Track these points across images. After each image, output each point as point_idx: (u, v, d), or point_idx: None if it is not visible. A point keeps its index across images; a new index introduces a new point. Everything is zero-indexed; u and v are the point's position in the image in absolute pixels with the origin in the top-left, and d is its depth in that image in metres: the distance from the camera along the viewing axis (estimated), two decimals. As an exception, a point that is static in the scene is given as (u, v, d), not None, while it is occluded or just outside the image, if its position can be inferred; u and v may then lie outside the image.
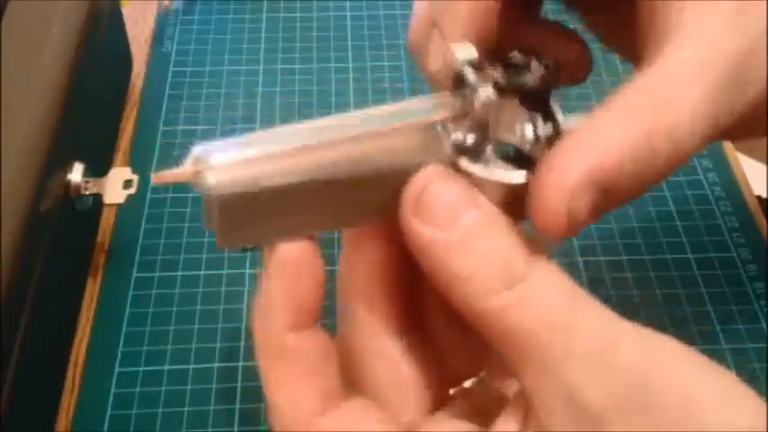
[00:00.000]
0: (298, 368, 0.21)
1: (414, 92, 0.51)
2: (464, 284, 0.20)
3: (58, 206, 0.37)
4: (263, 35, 0.55)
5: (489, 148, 0.22)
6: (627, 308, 0.41)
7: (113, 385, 0.38)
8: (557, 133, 0.22)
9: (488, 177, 0.21)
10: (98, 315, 0.40)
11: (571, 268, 0.41)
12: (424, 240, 0.20)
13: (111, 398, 0.37)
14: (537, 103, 0.22)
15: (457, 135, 0.22)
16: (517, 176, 0.21)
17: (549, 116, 0.22)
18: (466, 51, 0.22)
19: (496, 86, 0.21)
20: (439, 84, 0.24)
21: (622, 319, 0.20)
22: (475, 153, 0.22)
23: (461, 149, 0.22)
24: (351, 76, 0.52)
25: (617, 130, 0.21)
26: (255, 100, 0.51)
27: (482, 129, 0.22)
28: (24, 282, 0.33)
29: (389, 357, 0.23)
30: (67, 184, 0.38)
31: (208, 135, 0.48)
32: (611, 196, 0.21)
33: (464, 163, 0.21)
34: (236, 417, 0.37)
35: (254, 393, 0.37)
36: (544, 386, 0.19)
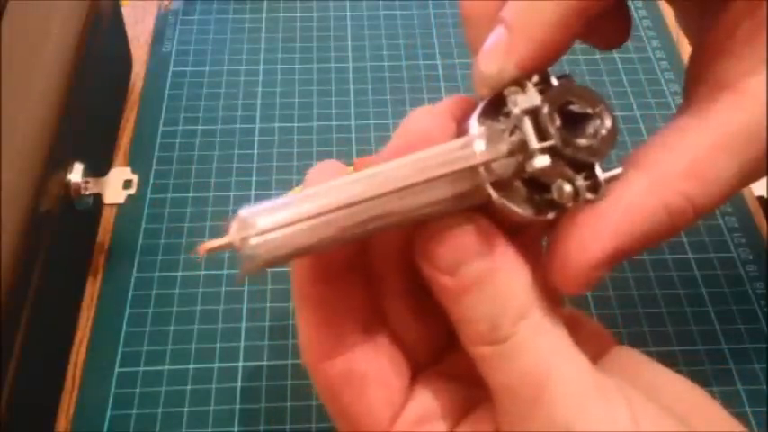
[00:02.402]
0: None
1: (413, 91, 0.51)
2: (457, 324, 0.22)
3: (58, 206, 0.37)
4: (263, 35, 0.55)
5: (518, 184, 0.21)
6: (627, 308, 0.41)
7: (113, 385, 0.38)
8: (595, 185, 0.21)
9: (515, 211, 0.21)
10: (98, 315, 0.40)
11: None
12: (435, 283, 0.22)
13: (111, 398, 0.37)
14: (585, 160, 0.21)
15: (497, 170, 0.21)
16: (538, 215, 0.21)
17: (591, 174, 0.21)
18: (529, 99, 0.21)
19: (553, 151, 0.20)
20: (482, 86, 0.22)
21: (603, 383, 0.21)
22: (505, 187, 0.21)
23: (498, 186, 0.21)
24: (351, 76, 0.52)
25: (643, 204, 0.21)
26: (255, 100, 0.51)
27: (520, 170, 0.21)
28: (24, 282, 0.33)
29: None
30: (67, 184, 0.38)
31: (208, 135, 0.48)
32: (626, 257, 0.22)
33: (512, 206, 0.21)
34: (236, 417, 0.37)
35: (255, 393, 0.37)
36: None
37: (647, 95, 0.51)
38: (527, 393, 0.20)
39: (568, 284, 0.21)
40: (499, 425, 0.21)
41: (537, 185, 0.21)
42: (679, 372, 0.38)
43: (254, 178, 0.46)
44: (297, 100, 0.51)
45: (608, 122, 0.21)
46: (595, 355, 0.24)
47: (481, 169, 0.20)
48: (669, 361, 0.38)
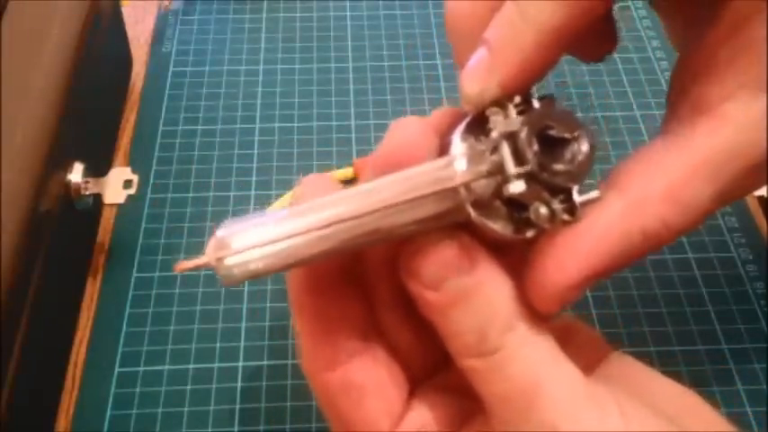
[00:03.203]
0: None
1: (413, 91, 0.51)
2: (445, 338, 0.22)
3: (58, 206, 0.37)
4: (263, 35, 0.55)
5: (498, 203, 0.21)
6: (627, 308, 0.41)
7: (113, 385, 0.38)
8: (572, 207, 0.21)
9: (494, 230, 0.21)
10: (98, 315, 0.40)
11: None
12: (419, 298, 0.22)
13: (111, 398, 0.37)
14: (562, 184, 0.21)
15: (477, 190, 0.21)
16: (517, 234, 0.21)
17: (568, 198, 0.21)
18: (508, 124, 0.21)
19: (530, 176, 0.21)
20: (465, 103, 0.23)
21: (594, 390, 0.21)
22: (485, 206, 0.21)
23: (477, 205, 0.21)
24: (351, 76, 0.52)
25: (620, 226, 0.21)
26: (255, 100, 0.51)
27: (499, 191, 0.21)
28: (24, 282, 0.33)
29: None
30: (67, 184, 0.38)
31: (208, 135, 0.48)
32: (602, 278, 0.22)
33: (490, 224, 0.21)
34: (236, 417, 0.37)
35: (255, 393, 0.37)
36: None
37: (647, 95, 0.51)
38: (519, 402, 0.21)
39: (544, 303, 0.22)
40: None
41: (517, 204, 0.21)
42: (679, 372, 0.38)
43: (254, 178, 0.46)
44: (297, 100, 0.51)
45: (585, 148, 0.21)
46: (592, 361, 0.24)
47: (461, 189, 0.21)
48: (669, 361, 0.38)
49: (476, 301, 0.21)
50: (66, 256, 0.39)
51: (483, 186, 0.21)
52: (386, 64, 0.53)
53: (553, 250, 0.21)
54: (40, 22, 0.38)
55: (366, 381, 0.23)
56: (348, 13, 0.57)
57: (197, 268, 0.22)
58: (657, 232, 0.22)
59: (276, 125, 0.49)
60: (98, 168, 0.41)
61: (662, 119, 0.24)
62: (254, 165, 0.47)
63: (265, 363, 0.38)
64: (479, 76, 0.22)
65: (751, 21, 0.22)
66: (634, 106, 0.50)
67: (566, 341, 0.22)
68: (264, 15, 0.57)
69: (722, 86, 0.22)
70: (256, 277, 0.21)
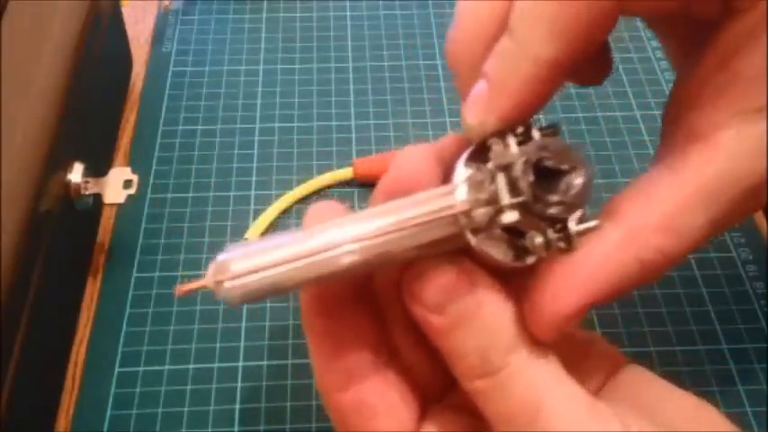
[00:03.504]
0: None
1: (413, 91, 0.51)
2: (450, 360, 0.22)
3: (58, 206, 0.37)
4: (263, 35, 0.55)
5: (499, 231, 0.22)
6: (627, 308, 0.41)
7: (113, 385, 0.38)
8: (567, 237, 0.22)
9: (494, 256, 0.22)
10: (98, 315, 0.40)
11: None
12: (421, 320, 0.22)
13: (111, 398, 0.37)
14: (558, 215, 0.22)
15: (476, 218, 0.22)
16: (517, 261, 0.22)
17: (563, 228, 0.22)
18: (503, 156, 0.22)
19: (524, 208, 0.21)
20: (466, 133, 0.23)
21: (596, 407, 0.21)
22: (486, 233, 0.22)
23: (475, 231, 0.22)
24: (351, 76, 0.52)
25: (617, 257, 0.22)
26: (255, 100, 0.51)
27: (496, 220, 0.22)
28: (24, 282, 0.33)
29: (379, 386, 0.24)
30: (67, 184, 0.38)
31: (208, 135, 0.49)
32: (598, 305, 0.22)
33: (486, 249, 0.22)
34: (236, 417, 0.37)
35: (254, 393, 0.37)
36: None
37: (647, 95, 0.51)
38: (522, 420, 0.21)
39: (542, 331, 0.22)
40: None
41: (517, 232, 0.22)
42: (679, 372, 0.38)
43: (254, 178, 0.46)
44: (297, 100, 0.51)
45: (580, 180, 0.21)
46: (607, 373, 0.24)
47: (461, 216, 0.21)
48: (669, 361, 0.38)
49: (477, 323, 0.22)
50: (66, 256, 0.39)
51: (482, 215, 0.21)
52: (386, 64, 0.53)
53: (551, 279, 0.22)
54: (40, 22, 0.38)
55: (378, 401, 0.23)
56: (348, 13, 0.57)
57: (196, 290, 0.22)
58: (654, 261, 0.22)
59: (276, 125, 0.49)
60: (98, 168, 0.41)
61: (655, 149, 0.24)
62: (254, 165, 0.47)
63: (265, 363, 0.38)
64: (479, 109, 0.23)
65: (742, 51, 0.22)
66: (634, 106, 0.50)
67: (583, 354, 0.23)
68: (264, 15, 0.57)
69: (715, 114, 0.22)
70: (255, 299, 0.22)
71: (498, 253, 0.22)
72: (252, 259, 0.22)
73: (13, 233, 0.32)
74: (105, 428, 0.36)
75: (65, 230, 0.38)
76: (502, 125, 0.22)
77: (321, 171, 0.46)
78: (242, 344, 0.39)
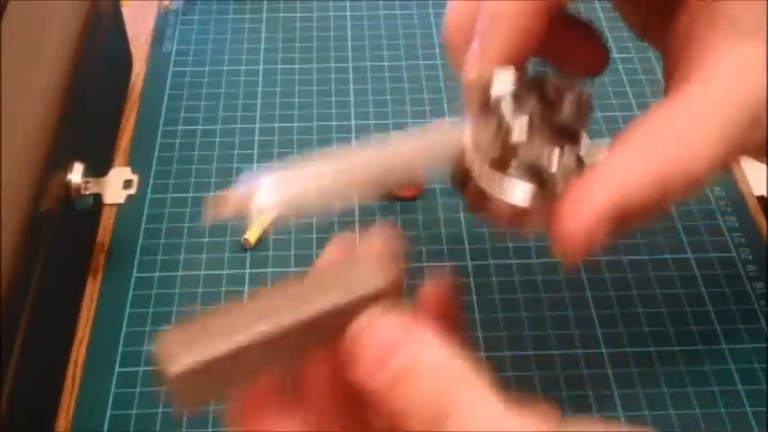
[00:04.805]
0: None
1: (413, 91, 0.51)
2: (399, 419, 0.21)
3: (58, 206, 0.37)
4: (263, 35, 0.55)
5: (515, 163, 0.23)
6: (627, 308, 0.41)
7: (113, 385, 0.38)
8: (579, 163, 0.23)
9: (498, 197, 0.23)
10: (98, 315, 0.40)
11: (572, 268, 0.41)
12: (362, 381, 0.21)
13: (111, 398, 0.37)
14: (566, 132, 0.24)
15: (488, 151, 0.23)
16: (522, 201, 0.23)
17: (575, 145, 0.24)
18: (504, 83, 0.23)
19: (531, 124, 0.23)
20: (472, 92, 0.25)
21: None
22: (501, 164, 0.23)
23: (490, 161, 0.23)
24: (351, 76, 0.52)
25: (633, 169, 0.23)
26: (255, 100, 0.51)
27: (510, 148, 0.23)
28: (24, 282, 0.33)
29: None
30: (67, 184, 0.38)
31: (208, 135, 0.48)
32: (625, 224, 0.24)
33: (496, 192, 0.23)
34: (236, 417, 0.37)
35: (254, 393, 0.37)
36: None
37: (647, 95, 0.51)
38: None
39: (570, 248, 0.23)
40: None
41: (533, 175, 0.23)
42: (679, 372, 0.38)
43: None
44: (297, 100, 0.51)
45: (578, 98, 0.24)
46: None
47: (472, 154, 0.23)
48: (669, 361, 0.38)
49: (420, 371, 0.21)
50: (66, 256, 0.39)
51: (491, 144, 0.23)
52: (386, 64, 0.53)
53: (570, 194, 0.23)
54: (40, 22, 0.38)
55: None
56: (348, 13, 0.57)
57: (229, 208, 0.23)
58: (664, 172, 0.23)
59: (276, 125, 0.49)
60: (98, 168, 0.41)
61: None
62: (255, 165, 0.47)
63: (265, 363, 0.38)
64: (474, 61, 0.26)
65: None
66: (634, 106, 0.50)
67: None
68: (264, 15, 0.57)
69: (709, 44, 0.24)
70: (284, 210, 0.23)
71: (520, 192, 0.23)
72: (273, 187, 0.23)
73: (13, 233, 0.32)
74: (105, 428, 0.36)
75: (65, 230, 0.38)
76: (495, 66, 0.24)
77: (321, 171, 0.46)
78: (242, 344, 0.39)
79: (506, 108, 0.23)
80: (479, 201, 0.24)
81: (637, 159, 0.23)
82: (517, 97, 0.23)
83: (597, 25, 0.31)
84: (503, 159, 0.23)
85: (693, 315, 0.40)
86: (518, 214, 0.24)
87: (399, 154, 0.23)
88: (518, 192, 0.23)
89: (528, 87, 0.23)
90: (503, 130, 0.23)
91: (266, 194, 0.23)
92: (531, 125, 0.23)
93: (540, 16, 0.25)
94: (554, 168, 0.23)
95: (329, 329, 0.22)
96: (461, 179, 0.24)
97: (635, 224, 0.25)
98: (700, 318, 0.40)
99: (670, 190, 0.23)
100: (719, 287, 0.41)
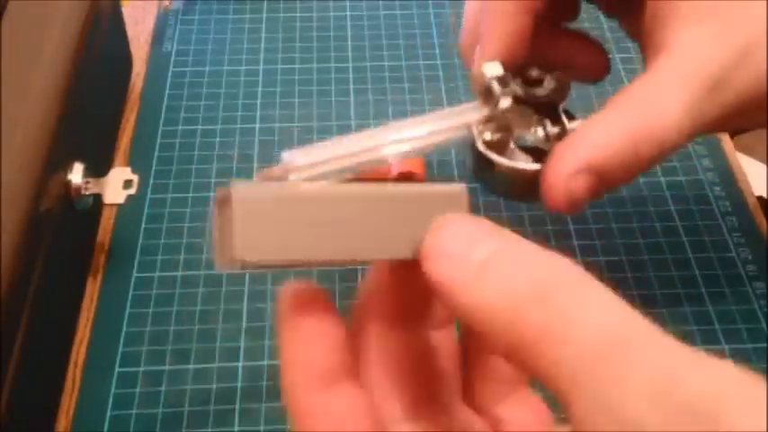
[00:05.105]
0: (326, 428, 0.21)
1: (413, 91, 0.51)
2: (489, 317, 0.18)
3: (58, 206, 0.37)
4: (263, 35, 0.55)
5: (512, 144, 0.28)
6: (627, 308, 0.41)
7: (113, 385, 0.38)
8: (563, 132, 0.28)
9: (510, 165, 0.28)
10: (98, 315, 0.40)
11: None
12: (441, 279, 0.19)
13: (111, 398, 0.37)
14: (549, 110, 0.29)
15: (486, 134, 0.28)
16: (530, 165, 0.28)
17: (558, 120, 0.29)
18: (493, 69, 0.29)
19: (515, 97, 0.28)
20: (476, 86, 0.30)
21: (680, 344, 0.18)
22: (501, 147, 0.28)
23: (490, 145, 0.28)
24: (351, 76, 0.52)
25: (605, 131, 0.27)
26: (255, 100, 0.51)
27: (506, 129, 0.28)
28: (24, 282, 0.33)
29: None
30: (67, 184, 0.38)
31: (208, 135, 0.48)
32: (603, 180, 0.27)
33: (493, 155, 0.28)
34: (236, 417, 0.37)
35: (255, 393, 0.37)
36: (595, 419, 0.17)
37: (647, 95, 0.51)
38: (609, 360, 0.17)
39: (554, 198, 0.27)
40: (571, 412, 0.17)
41: (528, 150, 0.28)
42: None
43: (253, 178, 0.46)
44: (297, 100, 0.51)
45: (559, 80, 0.29)
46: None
47: (474, 128, 0.28)
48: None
49: (515, 255, 0.19)
50: (66, 256, 0.39)
51: (494, 130, 0.28)
52: (386, 64, 0.53)
53: (555, 152, 0.27)
54: (40, 22, 0.38)
55: (345, 409, 0.21)
56: (348, 13, 0.57)
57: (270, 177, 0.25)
58: (638, 132, 0.27)
59: (276, 125, 0.49)
60: (98, 168, 0.41)
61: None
62: (255, 165, 0.47)
63: (265, 363, 0.38)
64: (478, 59, 0.31)
65: None
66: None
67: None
68: (264, 15, 0.57)
69: (671, 30, 0.28)
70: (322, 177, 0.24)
71: (520, 161, 0.28)
72: (311, 156, 0.25)
73: (13, 233, 0.32)
74: (105, 428, 0.36)
75: (65, 230, 0.38)
76: (493, 60, 0.29)
77: (321, 171, 0.46)
78: (242, 344, 0.39)
79: (495, 88, 0.28)
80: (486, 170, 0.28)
81: (610, 122, 0.27)
82: (504, 81, 0.28)
83: (598, 22, 0.35)
84: (502, 136, 0.28)
85: (693, 315, 0.40)
86: (519, 182, 0.28)
87: (418, 131, 0.27)
88: (518, 159, 0.28)
89: (514, 74, 0.29)
90: (497, 108, 0.28)
91: (298, 157, 0.25)
92: (517, 100, 0.28)
93: (522, 19, 0.30)
94: (541, 138, 0.28)
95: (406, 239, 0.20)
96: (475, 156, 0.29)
97: (618, 181, 0.27)
98: (700, 317, 0.40)
99: (642, 149, 0.27)
100: (719, 287, 0.41)
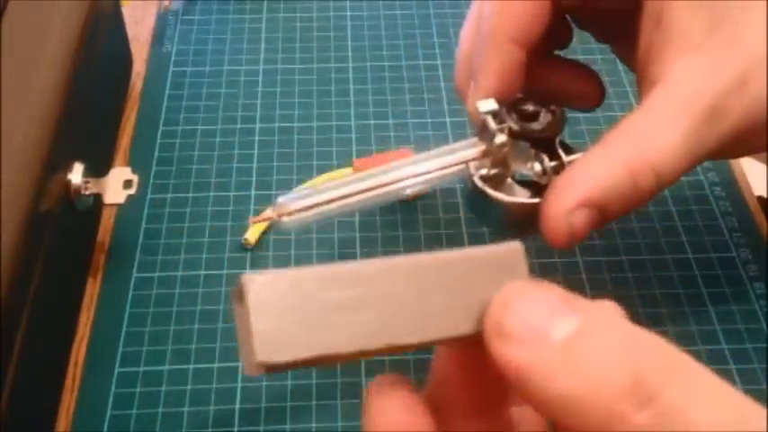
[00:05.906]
0: None
1: (413, 91, 0.51)
2: (578, 409, 0.16)
3: (58, 206, 0.37)
4: (263, 35, 0.55)
5: (509, 179, 0.29)
6: (627, 308, 0.41)
7: (113, 385, 0.38)
8: (561, 166, 0.28)
9: (508, 200, 0.28)
10: (98, 315, 0.40)
11: (571, 268, 0.41)
12: (515, 365, 0.16)
13: (111, 398, 0.37)
14: (545, 143, 0.29)
15: (483, 170, 0.28)
16: (527, 199, 0.28)
17: (554, 153, 0.29)
18: (487, 105, 0.29)
19: (511, 132, 0.28)
20: (474, 121, 0.30)
21: None
22: (498, 182, 0.28)
23: (486, 179, 0.28)
24: (351, 76, 0.52)
25: (603, 165, 0.27)
26: (255, 100, 0.51)
27: (503, 164, 0.29)
28: (24, 282, 0.33)
29: None
30: (67, 184, 0.38)
31: (208, 135, 0.48)
32: (603, 214, 0.27)
33: (489, 190, 0.28)
34: (236, 417, 0.37)
35: (255, 393, 0.37)
36: None
37: (647, 95, 0.51)
38: None
39: (554, 233, 0.26)
40: None
41: (526, 185, 0.29)
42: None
43: (254, 178, 0.46)
44: (297, 100, 0.51)
45: (554, 114, 0.29)
46: None
47: (473, 165, 0.29)
48: (669, 361, 0.38)
49: (604, 334, 0.17)
50: (66, 256, 0.39)
51: (490, 165, 0.29)
52: (386, 64, 0.53)
53: (553, 188, 0.27)
54: (40, 22, 0.38)
55: None
56: (348, 13, 0.57)
57: (263, 221, 0.28)
58: (636, 165, 0.26)
59: (276, 125, 0.49)
60: (98, 168, 0.41)
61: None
62: (254, 165, 0.47)
63: (265, 363, 0.38)
64: (472, 96, 0.31)
65: (665, 10, 0.28)
66: (634, 106, 0.50)
67: None
68: (264, 15, 0.57)
69: (664, 62, 0.28)
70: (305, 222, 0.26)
71: (520, 195, 0.28)
72: (306, 199, 0.26)
73: (13, 233, 0.32)
74: (105, 428, 0.36)
75: (65, 230, 0.38)
76: (487, 98, 0.30)
77: (321, 171, 0.46)
78: (242, 344, 0.39)
79: (491, 124, 0.28)
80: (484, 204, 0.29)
81: (608, 155, 0.27)
82: (499, 116, 0.29)
83: (591, 52, 0.35)
84: (499, 171, 0.29)
85: (693, 315, 0.40)
86: (517, 213, 0.29)
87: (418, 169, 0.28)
88: (516, 193, 0.28)
89: (509, 108, 0.29)
90: (493, 143, 0.28)
91: (290, 200, 0.26)
92: (512, 135, 0.28)
93: (516, 54, 0.31)
94: (538, 172, 0.28)
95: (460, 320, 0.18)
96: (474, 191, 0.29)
97: (618, 213, 0.27)
98: (700, 317, 0.40)
99: (641, 181, 0.27)
100: (719, 287, 0.41)
